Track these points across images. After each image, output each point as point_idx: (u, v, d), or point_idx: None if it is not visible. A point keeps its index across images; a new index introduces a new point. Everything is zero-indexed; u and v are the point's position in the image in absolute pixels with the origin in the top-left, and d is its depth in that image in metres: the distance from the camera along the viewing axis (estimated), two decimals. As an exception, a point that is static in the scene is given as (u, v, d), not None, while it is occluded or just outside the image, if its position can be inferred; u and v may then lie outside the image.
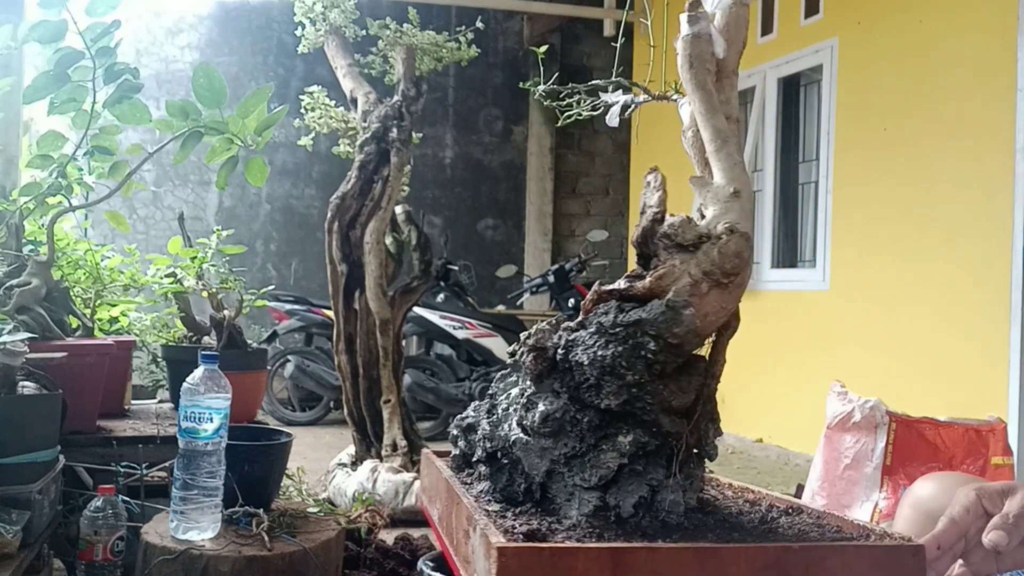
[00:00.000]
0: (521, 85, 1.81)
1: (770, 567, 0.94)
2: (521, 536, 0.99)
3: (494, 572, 0.91)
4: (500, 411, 1.19)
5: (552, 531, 1.03)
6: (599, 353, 1.06)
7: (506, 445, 1.14)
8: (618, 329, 1.06)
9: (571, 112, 1.43)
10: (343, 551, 2.01)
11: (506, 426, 1.15)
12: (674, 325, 1.05)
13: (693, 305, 1.06)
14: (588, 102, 1.39)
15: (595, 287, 1.13)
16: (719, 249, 1.06)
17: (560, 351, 1.10)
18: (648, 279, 1.09)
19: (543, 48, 1.72)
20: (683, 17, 1.14)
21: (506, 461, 1.14)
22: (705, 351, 1.13)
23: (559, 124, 1.47)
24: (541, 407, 1.10)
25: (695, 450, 1.11)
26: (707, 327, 1.08)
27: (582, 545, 0.96)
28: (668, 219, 1.10)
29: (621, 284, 1.11)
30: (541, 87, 1.56)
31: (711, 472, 1.34)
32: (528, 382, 1.14)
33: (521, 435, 1.12)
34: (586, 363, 1.07)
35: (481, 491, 1.18)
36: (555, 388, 1.11)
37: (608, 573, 0.92)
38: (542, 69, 1.58)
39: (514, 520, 1.07)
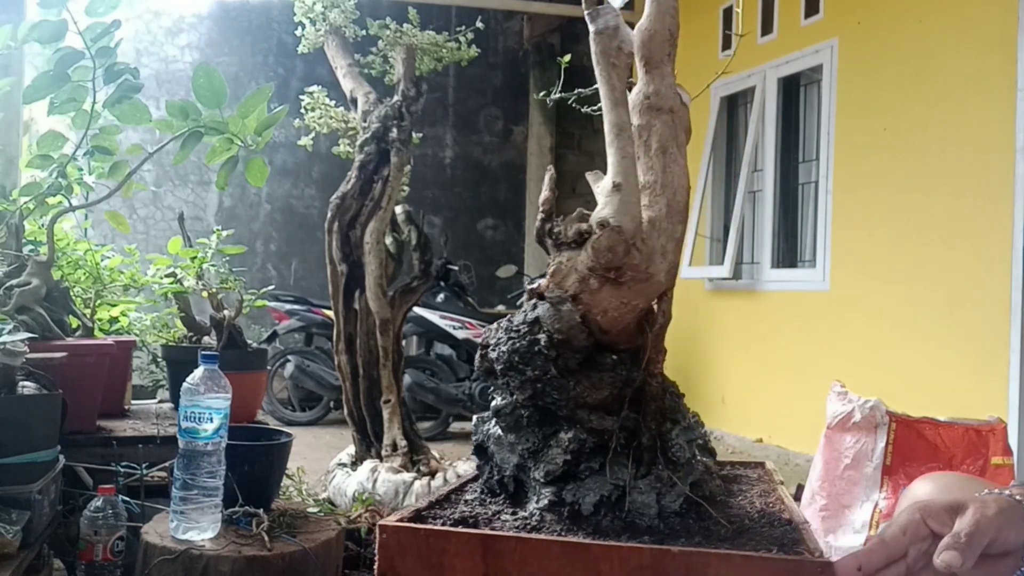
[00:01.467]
0: (535, 96, 1.84)
1: (645, 568, 0.93)
2: (451, 522, 1.04)
3: (376, 547, 0.98)
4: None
5: (492, 520, 1.06)
6: (502, 349, 1.09)
7: (484, 439, 1.17)
8: (521, 326, 1.09)
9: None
10: (343, 551, 2.01)
11: (491, 423, 1.17)
12: (555, 321, 1.06)
13: (581, 301, 1.07)
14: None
15: (526, 286, 1.17)
16: (592, 245, 1.06)
17: (490, 349, 1.12)
18: (546, 277, 1.12)
19: (566, 57, 1.72)
20: (586, 14, 1.13)
21: (489, 454, 1.18)
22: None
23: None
24: (494, 402, 1.14)
25: (667, 452, 1.10)
26: (611, 323, 1.08)
27: (455, 530, 1.01)
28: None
29: (537, 283, 1.14)
30: (553, 95, 1.57)
31: (782, 482, 1.32)
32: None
33: (496, 430, 1.14)
34: (494, 359, 1.09)
35: (476, 483, 1.22)
36: (500, 385, 1.14)
37: (478, 557, 0.97)
38: (562, 77, 1.59)
39: (473, 508, 1.10)
